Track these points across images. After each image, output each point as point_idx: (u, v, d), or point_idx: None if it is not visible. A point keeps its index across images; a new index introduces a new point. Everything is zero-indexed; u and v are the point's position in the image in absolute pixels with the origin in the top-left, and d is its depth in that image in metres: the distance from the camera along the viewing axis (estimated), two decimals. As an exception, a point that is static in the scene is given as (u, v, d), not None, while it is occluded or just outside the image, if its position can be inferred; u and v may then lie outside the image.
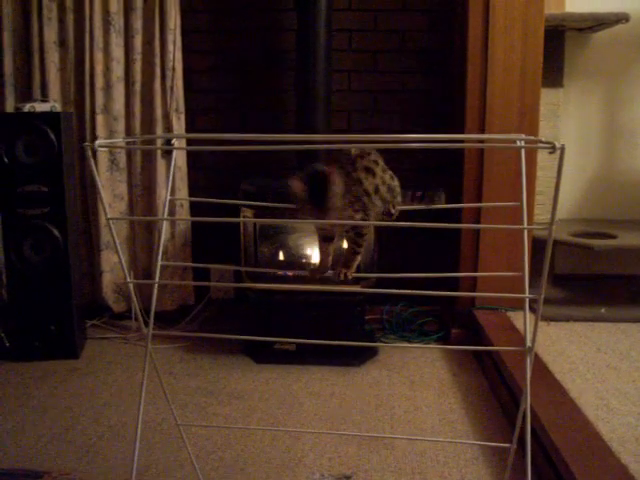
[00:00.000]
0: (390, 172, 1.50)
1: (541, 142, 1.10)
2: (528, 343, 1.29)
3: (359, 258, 1.47)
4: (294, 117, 2.97)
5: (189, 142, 3.11)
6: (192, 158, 3.19)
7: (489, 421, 2.21)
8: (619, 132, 3.32)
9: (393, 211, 1.52)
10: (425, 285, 3.01)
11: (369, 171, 1.43)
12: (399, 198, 1.53)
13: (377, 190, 1.44)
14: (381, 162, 1.48)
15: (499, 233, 2.86)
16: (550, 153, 1.05)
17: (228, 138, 1.30)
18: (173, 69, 3.01)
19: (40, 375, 2.61)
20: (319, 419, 2.24)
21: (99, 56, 2.99)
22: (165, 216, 1.49)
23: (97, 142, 1.20)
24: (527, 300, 1.30)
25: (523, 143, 1.22)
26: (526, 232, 1.27)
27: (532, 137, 1.21)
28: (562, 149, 1.03)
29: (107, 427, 2.18)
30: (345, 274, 1.45)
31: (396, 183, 1.51)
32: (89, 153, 1.19)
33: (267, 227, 2.84)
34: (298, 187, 1.36)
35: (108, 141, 1.13)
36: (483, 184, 2.82)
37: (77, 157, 3.01)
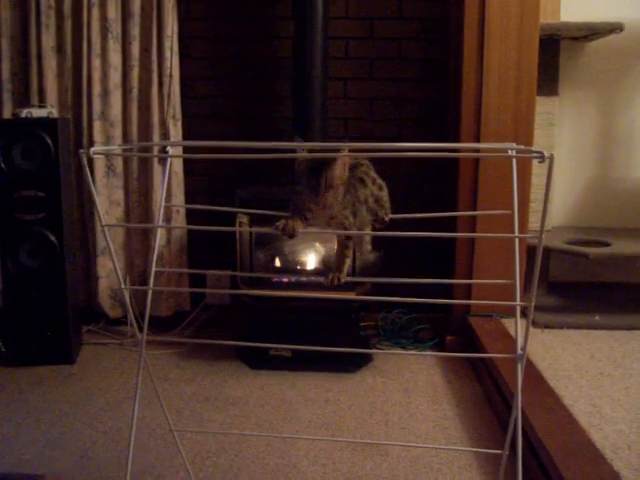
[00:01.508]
0: (379, 182, 1.53)
1: (531, 151, 1.11)
2: (519, 350, 1.30)
3: (349, 262, 1.49)
4: (291, 124, 2.99)
5: (185, 149, 3.12)
6: (188, 164, 3.20)
7: (483, 428, 2.22)
8: (614, 140, 3.34)
9: (387, 219, 1.54)
10: (421, 292, 3.02)
11: (362, 181, 1.47)
12: (388, 205, 1.55)
13: (366, 200, 1.47)
14: (372, 172, 1.51)
15: (494, 240, 2.87)
16: (539, 162, 1.06)
17: (224, 145, 1.32)
18: (170, 76, 3.02)
19: (35, 380, 2.62)
20: (314, 425, 2.25)
21: (96, 62, 3.01)
22: (160, 222, 1.50)
23: (92, 149, 1.21)
24: (518, 307, 1.31)
25: (514, 152, 1.24)
26: (518, 240, 1.28)
27: (522, 146, 1.22)
28: (551, 158, 1.04)
29: (102, 432, 2.18)
30: (338, 278, 1.47)
31: (384, 192, 1.53)
32: (84, 161, 1.20)
33: (263, 234, 2.84)
34: (302, 161, 1.37)
35: (103, 148, 1.14)
36: (478, 191, 2.83)
37: (74, 163, 3.02)
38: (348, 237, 1.48)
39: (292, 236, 1.38)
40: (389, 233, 1.35)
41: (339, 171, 1.35)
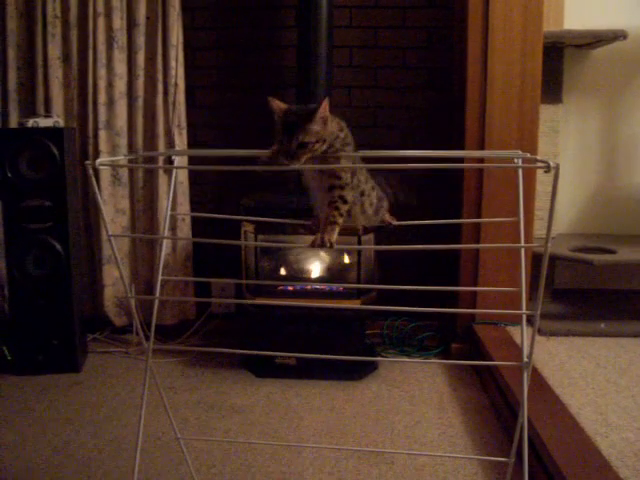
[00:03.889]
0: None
1: (537, 161, 1.12)
2: (525, 358, 1.30)
3: (337, 229, 1.34)
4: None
5: (191, 157, 3.13)
6: (194, 173, 3.21)
7: (488, 436, 2.21)
8: (618, 148, 3.34)
9: (393, 224, 1.55)
10: (426, 300, 3.02)
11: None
12: (385, 204, 1.53)
13: (363, 193, 1.43)
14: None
15: (498, 248, 2.87)
16: (545, 172, 1.07)
17: (229, 154, 1.32)
18: (175, 85, 3.03)
19: (41, 389, 2.62)
20: (319, 433, 2.25)
21: (102, 72, 3.02)
22: (166, 231, 1.51)
23: (98, 161, 1.22)
24: (524, 316, 1.31)
25: (521, 162, 1.24)
26: (523, 249, 1.28)
27: (528, 155, 1.22)
28: (556, 168, 1.04)
29: (107, 441, 2.18)
30: (322, 239, 1.31)
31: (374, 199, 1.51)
32: (90, 172, 1.21)
33: (268, 242, 2.84)
34: (277, 106, 1.26)
35: (109, 159, 1.15)
36: (483, 198, 2.83)
37: (80, 172, 3.03)
38: (345, 202, 1.34)
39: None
40: (396, 247, 1.35)
41: (317, 126, 1.23)
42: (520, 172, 1.24)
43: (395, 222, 1.57)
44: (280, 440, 2.21)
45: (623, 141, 3.33)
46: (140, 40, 3.02)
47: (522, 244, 1.25)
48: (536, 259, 2.85)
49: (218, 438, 2.22)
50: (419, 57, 3.15)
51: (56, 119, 2.85)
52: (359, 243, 2.61)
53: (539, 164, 1.10)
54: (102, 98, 3.04)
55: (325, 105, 1.23)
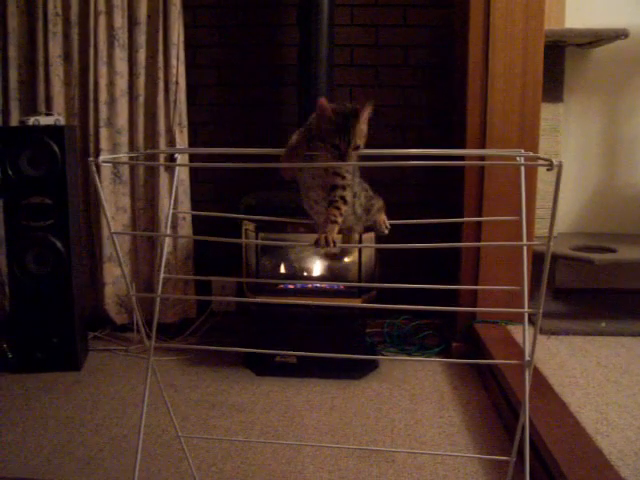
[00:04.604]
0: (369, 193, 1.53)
1: (540, 159, 1.12)
2: (527, 357, 1.30)
3: (337, 228, 1.36)
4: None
5: (192, 155, 3.13)
6: (195, 171, 3.21)
7: (489, 435, 2.21)
8: (619, 146, 3.34)
9: (388, 226, 1.55)
10: (427, 299, 3.01)
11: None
12: (378, 204, 1.54)
13: (355, 194, 1.44)
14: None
15: (500, 246, 2.87)
16: (548, 170, 1.07)
17: (231, 152, 1.32)
18: (176, 83, 3.03)
19: (42, 387, 2.62)
20: (319, 432, 2.25)
21: (103, 70, 3.02)
22: (168, 230, 1.51)
23: (101, 158, 1.22)
24: (526, 314, 1.31)
25: (523, 160, 1.24)
26: (525, 248, 1.28)
27: (531, 153, 1.22)
28: (559, 166, 1.04)
29: (108, 439, 2.18)
30: (326, 239, 1.32)
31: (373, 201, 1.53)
32: (93, 169, 1.21)
33: (269, 240, 2.84)
34: (328, 110, 1.30)
35: (112, 157, 1.15)
36: (484, 197, 2.83)
37: (81, 170, 3.03)
38: (344, 201, 1.36)
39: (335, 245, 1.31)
40: (397, 245, 1.34)
41: (365, 126, 1.31)
42: (522, 170, 1.24)
43: (386, 231, 1.56)
44: (280, 438, 2.21)
45: (624, 140, 3.33)
46: (141, 38, 3.02)
47: (524, 242, 1.25)
48: (537, 258, 2.84)
49: (219, 436, 2.22)
50: (421, 55, 3.15)
51: (57, 117, 2.85)
52: (360, 242, 2.61)
53: (542, 162, 1.10)
54: (103, 96, 3.04)
55: (370, 107, 1.31)
